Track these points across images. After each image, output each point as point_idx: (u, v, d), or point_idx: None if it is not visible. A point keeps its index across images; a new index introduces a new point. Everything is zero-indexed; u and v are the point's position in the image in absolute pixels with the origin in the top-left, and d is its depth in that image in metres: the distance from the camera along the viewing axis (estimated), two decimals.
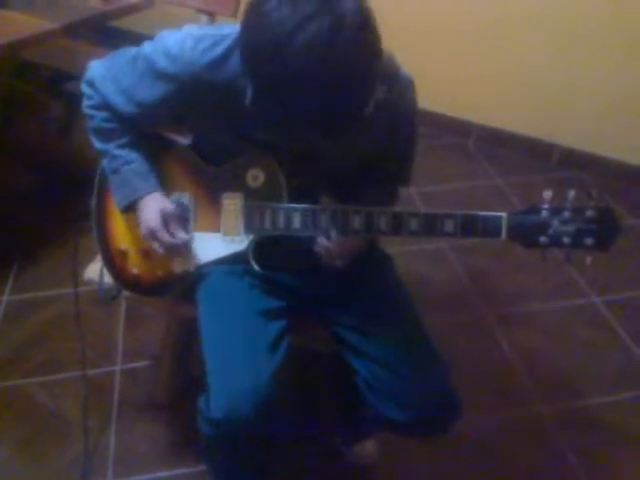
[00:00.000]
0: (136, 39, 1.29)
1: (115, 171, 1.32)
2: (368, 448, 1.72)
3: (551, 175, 2.86)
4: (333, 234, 1.20)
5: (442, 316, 2.14)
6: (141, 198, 1.31)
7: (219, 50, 1.14)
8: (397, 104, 1.22)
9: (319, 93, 0.92)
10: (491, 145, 3.03)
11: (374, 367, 1.29)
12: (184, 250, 1.33)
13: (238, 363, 1.23)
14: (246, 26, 0.97)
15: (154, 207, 1.30)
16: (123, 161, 1.31)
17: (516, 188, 2.77)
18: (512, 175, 2.86)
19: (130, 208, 1.33)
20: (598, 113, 2.74)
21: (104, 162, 1.35)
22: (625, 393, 1.94)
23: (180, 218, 1.33)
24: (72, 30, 2.03)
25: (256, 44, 0.94)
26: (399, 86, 1.22)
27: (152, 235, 1.30)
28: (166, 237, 1.29)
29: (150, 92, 1.22)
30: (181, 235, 1.31)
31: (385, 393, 1.28)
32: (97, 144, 1.34)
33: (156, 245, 1.30)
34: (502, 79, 2.88)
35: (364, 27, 0.93)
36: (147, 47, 1.23)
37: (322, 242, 1.23)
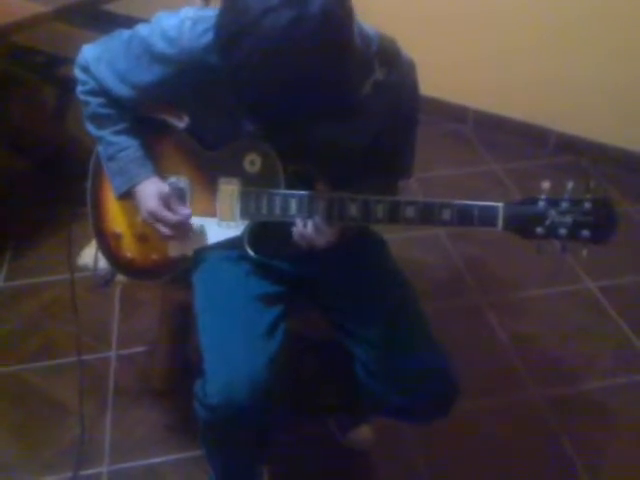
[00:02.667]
0: (129, 23, 1.28)
1: (111, 158, 1.31)
2: (364, 433, 1.72)
3: (548, 161, 2.86)
4: (317, 219, 1.19)
5: (437, 302, 2.14)
6: (138, 184, 1.30)
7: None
8: (397, 86, 1.21)
9: (277, 81, 0.95)
10: (488, 131, 3.02)
11: (373, 352, 1.29)
12: (189, 228, 1.32)
13: (234, 349, 1.23)
14: (219, 12, 1.00)
15: (151, 191, 1.29)
16: (119, 147, 1.30)
17: (513, 174, 2.76)
18: (509, 161, 2.85)
19: (127, 194, 1.33)
20: (596, 99, 2.73)
21: (99, 148, 1.34)
22: (620, 378, 1.94)
23: (178, 197, 1.32)
24: (64, 14, 2.02)
25: (224, 29, 0.98)
26: (399, 68, 1.21)
27: (154, 217, 1.28)
28: (169, 215, 1.28)
29: (147, 75, 1.21)
30: (183, 211, 1.30)
31: (385, 378, 1.29)
32: (92, 130, 1.33)
33: (160, 226, 1.29)
34: (500, 64, 2.86)
35: (326, 24, 0.94)
36: (143, 29, 1.22)
37: (298, 226, 1.21)
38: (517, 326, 2.10)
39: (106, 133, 1.31)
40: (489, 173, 2.79)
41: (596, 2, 2.57)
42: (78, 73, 1.31)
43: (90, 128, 1.33)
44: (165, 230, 1.29)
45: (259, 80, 0.96)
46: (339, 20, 0.96)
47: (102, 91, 1.28)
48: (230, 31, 0.96)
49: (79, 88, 1.31)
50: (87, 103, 1.31)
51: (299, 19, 0.92)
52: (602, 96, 2.71)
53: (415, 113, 1.30)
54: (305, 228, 1.20)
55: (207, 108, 1.23)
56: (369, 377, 1.31)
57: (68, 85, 1.37)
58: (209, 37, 1.13)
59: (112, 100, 1.28)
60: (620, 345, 2.05)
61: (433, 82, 1.98)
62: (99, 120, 1.31)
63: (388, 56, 1.18)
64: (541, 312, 2.16)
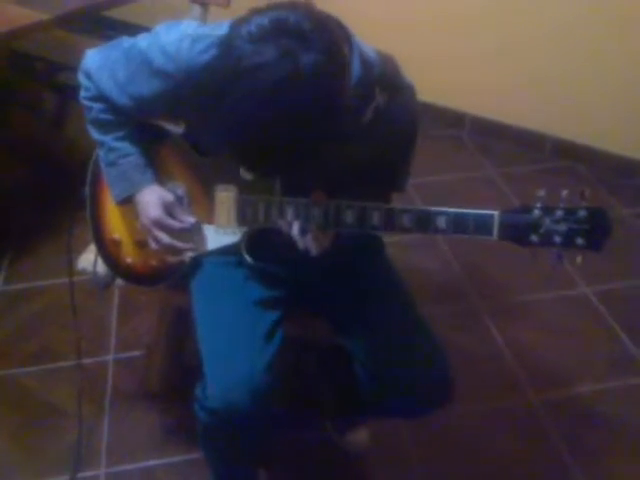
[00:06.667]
0: (130, 29, 1.29)
1: (112, 164, 1.32)
2: (361, 436, 1.73)
3: (545, 166, 2.87)
4: (313, 225, 1.20)
5: (434, 306, 2.15)
6: (139, 191, 1.31)
7: (216, 52, 1.14)
8: (398, 111, 1.21)
9: (265, 128, 0.98)
10: (485, 136, 3.03)
11: (372, 353, 1.30)
12: (190, 236, 1.32)
13: (233, 353, 1.24)
14: (217, 55, 1.02)
15: (153, 198, 1.30)
16: (120, 154, 1.31)
17: (509, 179, 2.78)
18: (505, 166, 2.86)
19: (126, 200, 1.34)
20: (592, 105, 2.74)
21: (100, 153, 1.34)
22: (616, 382, 1.95)
23: (180, 205, 1.33)
24: (65, 21, 2.03)
25: (219, 73, 0.99)
26: (401, 93, 1.22)
27: (157, 225, 1.29)
28: (174, 223, 1.29)
29: (145, 87, 1.22)
30: (188, 219, 1.31)
31: (383, 377, 1.29)
32: (95, 135, 1.33)
33: (161, 235, 1.29)
34: (496, 70, 2.88)
35: (316, 83, 0.96)
36: (143, 41, 1.22)
37: (294, 231, 1.22)
38: (513, 330, 2.10)
39: (108, 139, 1.31)
40: (485, 178, 2.80)
41: (594, 5, 2.58)
42: (81, 78, 1.31)
43: (92, 132, 1.33)
44: (164, 238, 1.30)
45: (248, 125, 0.99)
46: (330, 77, 0.98)
47: (103, 98, 1.29)
48: (225, 76, 0.98)
49: (82, 93, 1.32)
50: (89, 108, 1.31)
51: (289, 78, 0.94)
52: (599, 101, 2.72)
53: (414, 135, 1.30)
54: (300, 234, 1.21)
55: (204, 120, 1.23)
56: (367, 377, 1.31)
57: (67, 92, 1.38)
58: (208, 56, 1.13)
59: (113, 107, 1.29)
60: (615, 349, 2.06)
61: (430, 87, 2.01)
62: (101, 125, 1.32)
63: (389, 81, 1.18)
64: (537, 316, 2.17)
